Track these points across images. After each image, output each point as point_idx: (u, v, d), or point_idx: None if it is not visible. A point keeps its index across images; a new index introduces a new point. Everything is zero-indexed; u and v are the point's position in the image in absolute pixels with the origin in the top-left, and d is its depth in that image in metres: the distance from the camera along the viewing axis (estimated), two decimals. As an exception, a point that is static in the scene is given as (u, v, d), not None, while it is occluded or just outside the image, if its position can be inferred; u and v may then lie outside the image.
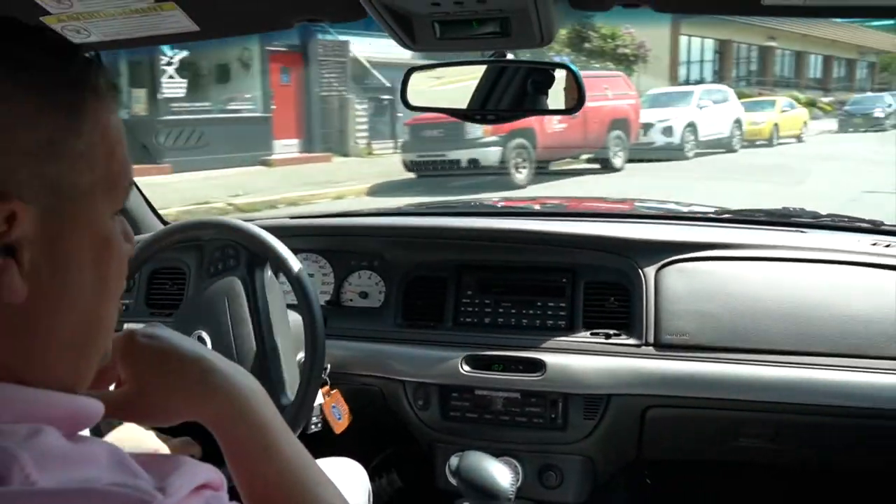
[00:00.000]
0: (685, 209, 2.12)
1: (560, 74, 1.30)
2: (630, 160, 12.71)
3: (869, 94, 24.04)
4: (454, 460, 1.33)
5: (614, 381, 1.51)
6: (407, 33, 1.11)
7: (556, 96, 1.32)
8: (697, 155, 14.14)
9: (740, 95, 19.76)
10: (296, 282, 1.38)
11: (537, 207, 1.98)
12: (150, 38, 1.13)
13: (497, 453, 1.48)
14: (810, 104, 25.57)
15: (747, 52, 27.85)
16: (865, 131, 19.52)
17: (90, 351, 0.57)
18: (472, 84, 1.33)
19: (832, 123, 20.83)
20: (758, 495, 1.88)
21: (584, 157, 12.97)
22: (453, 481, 1.35)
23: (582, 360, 1.53)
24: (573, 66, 1.24)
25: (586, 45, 18.93)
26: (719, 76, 26.12)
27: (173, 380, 0.71)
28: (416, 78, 1.38)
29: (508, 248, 1.71)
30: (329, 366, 1.47)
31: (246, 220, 1.52)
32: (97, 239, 0.54)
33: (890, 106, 21.00)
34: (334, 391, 1.54)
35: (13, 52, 0.50)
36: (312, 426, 1.49)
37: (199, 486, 0.51)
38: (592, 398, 1.52)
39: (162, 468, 0.51)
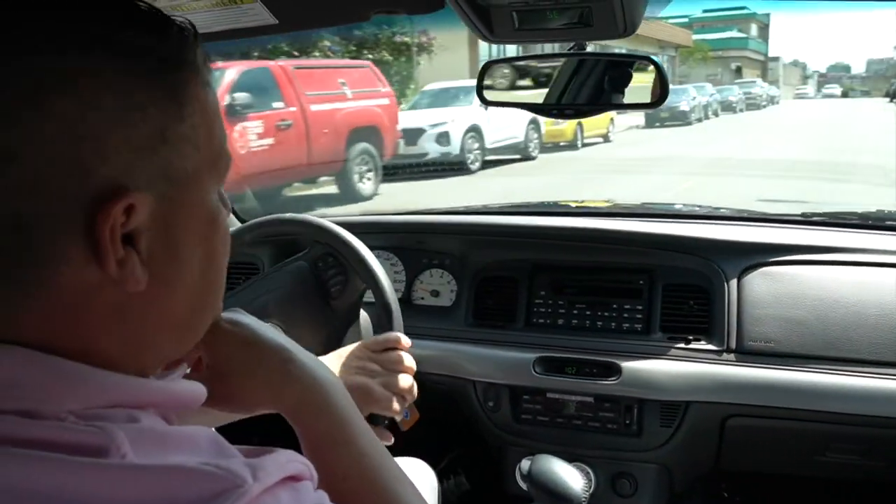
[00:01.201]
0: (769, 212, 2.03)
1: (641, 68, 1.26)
2: (391, 178, 9.97)
3: (672, 87, 23.72)
4: (525, 463, 1.29)
5: (693, 387, 1.45)
6: (485, 24, 1.09)
7: (636, 91, 1.28)
8: (486, 166, 11.43)
9: None
10: (373, 282, 1.37)
11: (611, 208, 1.93)
12: (231, 31, 1.14)
13: (569, 458, 1.44)
14: None
15: (552, 45, 27.09)
16: (672, 125, 19.68)
17: (199, 325, 0.59)
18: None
19: (639, 118, 20.37)
20: None
21: (323, 179, 9.59)
22: (524, 485, 1.32)
23: (659, 365, 1.48)
24: (656, 59, 1.19)
25: (355, 31, 15.03)
26: None
27: (255, 368, 0.71)
28: (492, 72, 1.36)
29: (583, 248, 1.67)
30: None
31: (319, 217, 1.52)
32: (205, 218, 0.55)
33: (694, 98, 21.41)
34: None
35: (117, 36, 0.49)
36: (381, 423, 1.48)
37: (289, 476, 0.50)
38: (670, 405, 1.47)
39: (257, 454, 0.51)
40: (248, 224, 1.59)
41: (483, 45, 21.92)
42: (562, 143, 14.76)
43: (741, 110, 26.97)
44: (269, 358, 0.71)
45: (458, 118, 11.08)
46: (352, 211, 1.88)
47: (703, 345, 1.49)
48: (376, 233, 1.80)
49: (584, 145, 15.35)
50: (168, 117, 0.50)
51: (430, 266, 1.78)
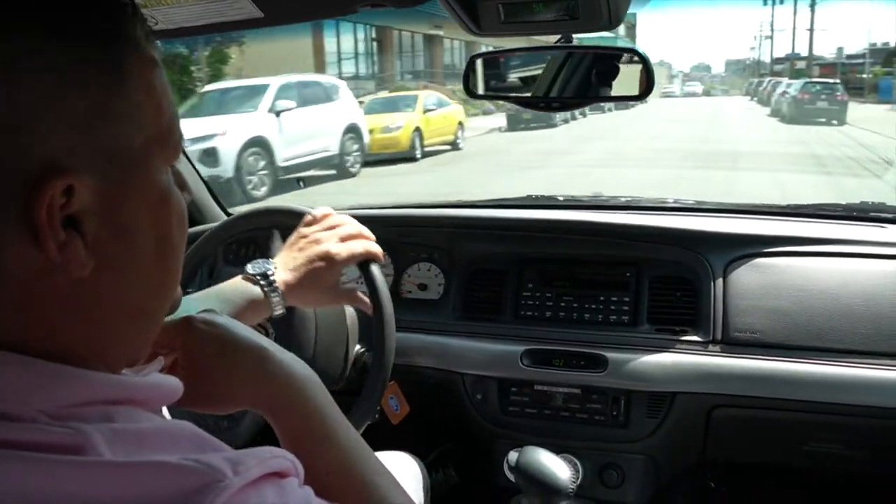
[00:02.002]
0: (754, 203, 2.05)
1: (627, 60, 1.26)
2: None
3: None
4: (513, 455, 1.30)
5: (680, 378, 1.46)
6: (472, 17, 1.09)
7: (623, 82, 1.28)
8: (280, 187, 8.96)
9: (401, 90, 16.60)
10: (369, 275, 1.37)
11: (599, 200, 1.94)
12: (216, 25, 1.14)
13: (557, 450, 1.44)
14: None
15: (411, 42, 25.34)
16: (536, 128, 18.35)
17: (157, 313, 0.57)
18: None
19: (501, 121, 19.26)
20: (825, 503, 1.80)
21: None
22: (511, 476, 1.33)
23: (646, 357, 1.49)
24: (641, 51, 1.20)
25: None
26: (379, 69, 23.31)
27: (231, 366, 0.71)
28: (479, 65, 1.36)
29: (571, 241, 1.68)
30: None
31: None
32: (155, 198, 0.53)
33: (560, 99, 20.66)
34: (392, 382, 1.53)
35: (49, 12, 0.48)
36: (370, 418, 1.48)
37: (273, 472, 0.50)
38: (656, 396, 1.48)
39: (239, 450, 0.51)
40: (237, 216, 1.58)
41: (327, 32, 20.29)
42: (387, 154, 12.34)
43: (609, 110, 26.24)
44: (244, 356, 0.71)
45: (234, 129, 8.65)
46: (340, 204, 1.87)
47: (689, 336, 1.50)
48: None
49: (426, 154, 13.46)
50: (107, 94, 0.49)
51: (418, 259, 1.78)
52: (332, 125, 10.31)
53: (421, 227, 1.83)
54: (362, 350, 1.44)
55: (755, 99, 35.31)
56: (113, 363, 0.53)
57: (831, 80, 23.27)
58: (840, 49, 44.25)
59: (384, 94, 17.25)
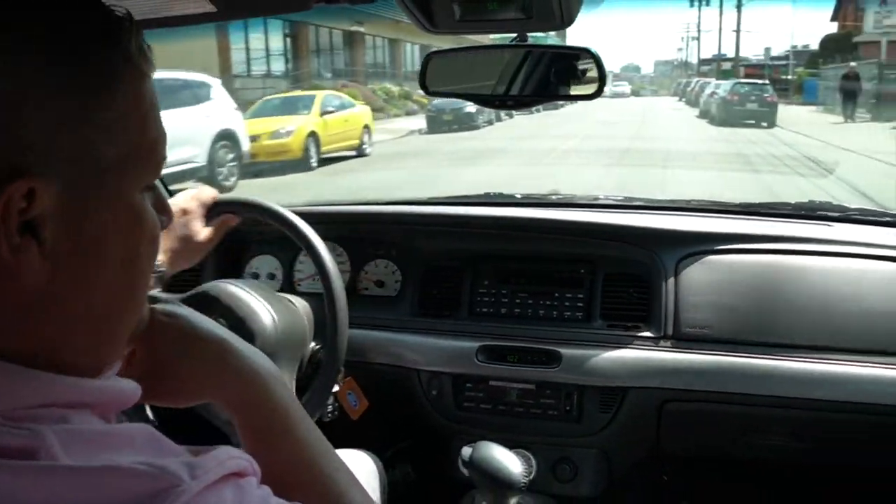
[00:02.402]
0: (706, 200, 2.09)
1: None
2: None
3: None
4: (466, 451, 1.31)
5: (631, 373, 1.48)
6: (426, 15, 1.09)
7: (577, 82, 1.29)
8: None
9: (315, 89, 15.53)
10: (323, 270, 1.37)
11: (556, 197, 1.96)
12: (169, 19, 1.12)
13: (511, 445, 1.46)
14: (405, 97, 23.25)
15: (329, 38, 24.30)
16: (458, 129, 17.47)
17: (119, 328, 0.56)
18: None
19: (421, 122, 18.45)
20: (778, 495, 1.85)
21: None
22: (465, 472, 1.34)
23: (599, 352, 1.51)
24: (593, 50, 1.21)
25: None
26: (294, 66, 22.36)
27: (192, 360, 0.70)
28: (435, 63, 1.36)
29: (527, 238, 1.69)
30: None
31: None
32: (126, 214, 0.52)
33: (486, 100, 20.03)
34: (348, 378, 1.53)
35: (34, 13, 0.47)
36: (328, 414, 1.48)
37: (232, 472, 0.50)
38: (609, 390, 1.50)
39: (198, 452, 0.50)
40: None
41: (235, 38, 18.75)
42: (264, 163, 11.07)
43: (538, 110, 25.55)
44: (206, 350, 0.70)
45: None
46: (295, 202, 1.85)
47: (641, 332, 1.53)
48: (321, 223, 1.79)
49: (325, 161, 12.33)
50: (87, 102, 0.48)
51: (375, 256, 1.78)
52: (199, 132, 8.87)
53: (378, 224, 1.83)
54: (317, 347, 1.44)
55: (683, 100, 35.58)
56: (71, 370, 0.51)
57: (760, 81, 23.08)
58: (767, 49, 45.24)
59: (286, 94, 16.06)
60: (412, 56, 28.86)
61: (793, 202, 1.87)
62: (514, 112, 20.83)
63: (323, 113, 12.79)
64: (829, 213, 1.74)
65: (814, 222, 1.67)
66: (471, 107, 17.14)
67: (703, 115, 23.52)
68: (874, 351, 1.40)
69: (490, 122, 19.76)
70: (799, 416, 1.45)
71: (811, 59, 34.78)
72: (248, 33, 19.20)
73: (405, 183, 9.86)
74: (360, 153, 13.74)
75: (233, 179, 9.89)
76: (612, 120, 22.46)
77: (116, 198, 0.51)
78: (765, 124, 19.30)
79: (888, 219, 1.72)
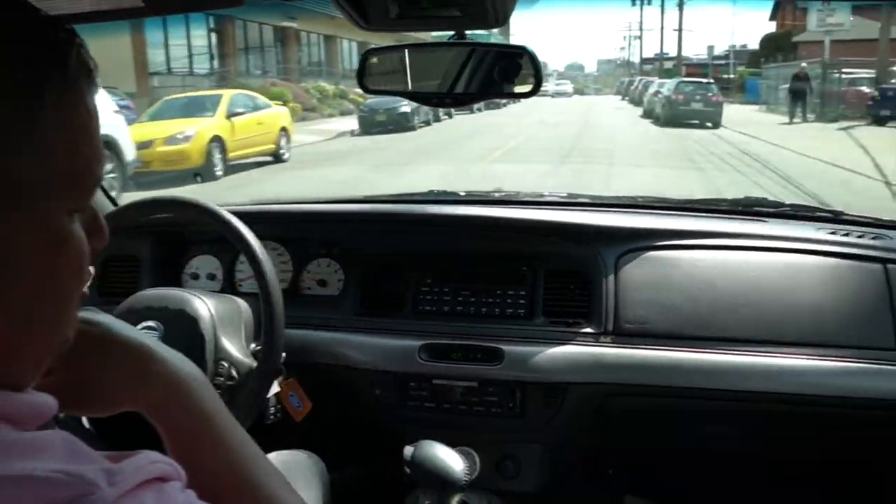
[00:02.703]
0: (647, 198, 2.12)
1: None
2: None
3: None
4: (408, 450, 1.31)
5: (573, 369, 1.49)
6: (360, 12, 1.09)
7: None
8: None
9: (243, 88, 14.67)
10: (258, 270, 1.36)
11: (498, 195, 1.97)
12: (91, 14, 1.09)
13: (456, 442, 1.46)
14: (340, 96, 22.72)
15: (259, 34, 23.66)
16: (391, 131, 16.73)
17: (36, 349, 0.54)
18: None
19: (353, 124, 17.80)
20: (720, 486, 1.89)
21: None
22: (408, 471, 1.33)
23: (541, 349, 1.52)
24: (530, 49, 1.22)
25: None
26: (220, 63, 21.59)
27: (112, 367, 0.68)
28: (373, 60, 1.36)
29: (469, 236, 1.70)
30: (285, 354, 1.45)
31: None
32: (50, 238, 0.50)
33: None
34: (291, 380, 1.51)
35: None
36: (270, 416, 1.46)
37: (152, 478, 0.49)
38: (551, 387, 1.51)
39: (119, 458, 0.49)
40: (125, 206, 1.53)
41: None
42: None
43: (479, 109, 25.18)
44: (126, 356, 0.69)
45: None
46: (235, 200, 1.83)
47: (582, 328, 1.54)
48: (262, 222, 1.77)
49: (233, 169, 11.41)
50: (9, 123, 0.46)
51: (317, 256, 1.76)
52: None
53: (320, 222, 1.81)
54: (257, 347, 1.42)
55: (627, 98, 35.46)
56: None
57: (705, 80, 22.69)
58: (711, 48, 45.56)
59: (191, 93, 14.55)
60: (350, 53, 28.28)
61: (729, 198, 1.91)
62: (452, 112, 21.13)
63: (230, 115, 11.68)
64: (764, 210, 1.78)
65: (749, 218, 1.71)
66: (406, 106, 16.63)
67: (647, 114, 23.03)
68: (807, 343, 1.44)
69: (428, 123, 19.21)
70: (736, 407, 1.48)
71: (751, 59, 35.19)
72: (168, 28, 18.15)
73: (319, 194, 9.66)
74: (278, 158, 12.74)
75: (113, 193, 9.52)
76: (552, 121, 21.89)
77: (38, 220, 0.49)
78: (710, 125, 19.03)
79: (820, 214, 1.77)
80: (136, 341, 0.70)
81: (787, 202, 1.89)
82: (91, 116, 0.52)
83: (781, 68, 25.60)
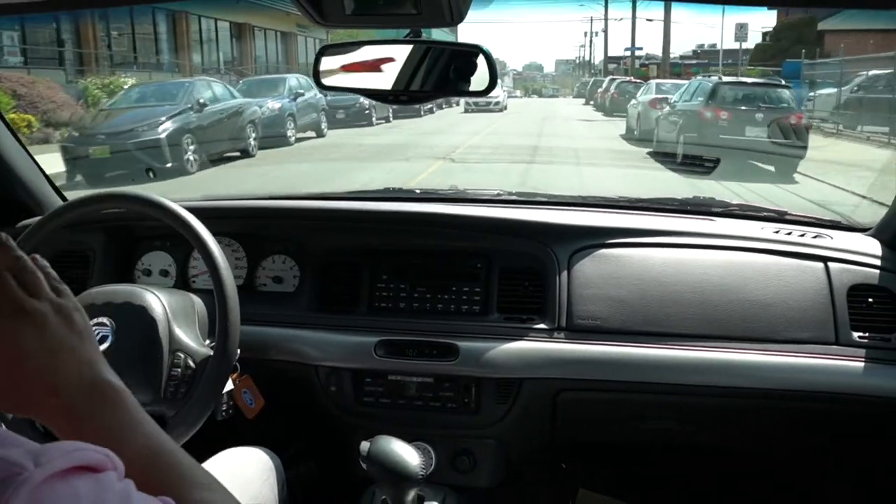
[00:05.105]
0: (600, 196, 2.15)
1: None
2: None
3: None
4: (365, 445, 1.31)
5: (526, 364, 1.52)
6: (315, 7, 1.09)
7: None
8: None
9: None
10: (213, 266, 1.35)
11: (454, 193, 1.98)
12: (25, 5, 1.06)
13: (411, 438, 1.47)
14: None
15: (215, 29, 22.81)
16: (357, 125, 16.50)
17: None
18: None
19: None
20: (670, 478, 1.93)
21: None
22: (365, 466, 1.34)
23: (495, 345, 1.53)
24: (485, 48, 1.24)
25: None
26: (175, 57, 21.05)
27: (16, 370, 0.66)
28: (328, 57, 1.35)
29: (424, 233, 1.71)
30: (239, 351, 1.44)
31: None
32: None
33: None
34: (245, 377, 1.50)
35: None
36: (222, 413, 1.45)
37: (81, 465, 0.49)
38: (505, 382, 1.53)
39: (45, 444, 0.49)
40: (75, 200, 1.50)
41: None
42: None
43: (440, 107, 24.72)
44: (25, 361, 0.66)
45: None
46: (191, 196, 1.79)
47: (536, 324, 1.56)
48: (217, 218, 1.75)
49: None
50: None
51: (273, 252, 1.75)
52: None
53: (275, 219, 1.80)
54: (212, 343, 1.41)
55: (591, 103, 28.45)
56: None
57: (765, 80, 14.45)
58: (699, 46, 40.27)
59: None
60: (306, 50, 27.87)
61: (679, 198, 1.95)
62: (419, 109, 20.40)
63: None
64: (713, 209, 1.83)
65: (698, 217, 1.75)
66: (363, 102, 16.51)
67: (639, 134, 13.68)
68: (753, 338, 1.49)
69: (387, 119, 19.01)
70: (684, 401, 1.52)
71: (761, 53, 27.31)
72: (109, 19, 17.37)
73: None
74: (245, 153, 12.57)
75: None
76: (505, 131, 18.08)
77: None
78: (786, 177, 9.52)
79: (765, 214, 1.82)
80: (42, 348, 0.68)
81: (735, 202, 1.93)
82: None
83: (832, 65, 16.98)
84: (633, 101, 15.66)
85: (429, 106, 22.10)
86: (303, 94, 14.51)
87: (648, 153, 12.06)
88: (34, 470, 0.44)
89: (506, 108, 26.88)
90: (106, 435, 0.67)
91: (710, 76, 14.21)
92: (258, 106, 12.89)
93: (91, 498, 0.47)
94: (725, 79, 11.41)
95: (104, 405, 0.69)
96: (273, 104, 13.61)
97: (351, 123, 16.82)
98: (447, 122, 20.81)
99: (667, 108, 12.29)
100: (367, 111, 17.52)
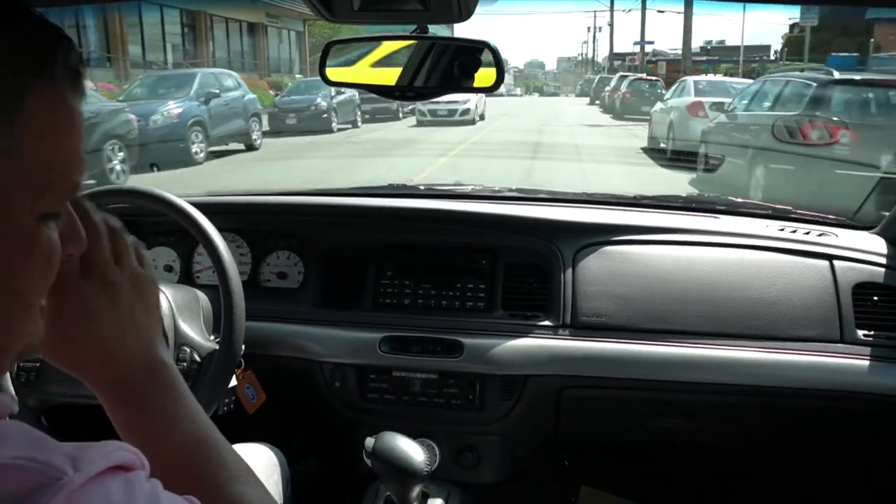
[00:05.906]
0: (605, 193, 2.15)
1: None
2: None
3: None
4: (369, 441, 1.31)
5: (531, 361, 1.52)
6: (324, 3, 1.08)
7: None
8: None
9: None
10: (218, 261, 1.34)
11: (459, 189, 1.98)
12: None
13: (415, 434, 1.46)
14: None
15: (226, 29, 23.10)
16: (303, 133, 14.34)
17: None
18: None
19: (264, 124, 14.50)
20: (673, 476, 1.93)
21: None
22: (369, 463, 1.34)
23: (500, 342, 1.53)
24: (493, 45, 1.23)
25: None
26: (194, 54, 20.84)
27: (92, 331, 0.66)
28: (335, 52, 1.35)
29: (429, 230, 1.71)
30: (243, 346, 1.44)
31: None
32: (15, 242, 0.49)
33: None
34: (248, 372, 1.50)
35: None
36: (223, 408, 1.45)
37: (115, 465, 0.48)
38: (509, 379, 1.53)
39: (81, 447, 0.49)
40: (82, 195, 1.50)
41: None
42: None
43: (374, 118, 20.02)
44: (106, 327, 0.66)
45: None
46: (194, 192, 1.79)
47: (540, 321, 1.56)
48: (221, 213, 1.75)
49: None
50: None
51: (277, 248, 1.75)
52: None
53: (280, 214, 1.80)
54: (217, 339, 1.41)
55: (597, 103, 26.22)
56: None
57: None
58: (717, 43, 37.03)
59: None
60: (279, 44, 27.60)
61: (684, 195, 1.95)
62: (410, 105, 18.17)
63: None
64: (717, 206, 1.83)
65: (703, 214, 1.75)
66: (320, 104, 14.78)
67: (679, 162, 9.69)
68: (757, 336, 1.49)
69: (354, 125, 16.67)
70: (689, 398, 1.52)
71: (794, 48, 25.48)
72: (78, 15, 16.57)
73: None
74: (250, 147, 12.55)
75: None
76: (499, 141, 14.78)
77: (3, 222, 0.48)
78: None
79: (770, 211, 1.82)
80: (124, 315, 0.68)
81: (739, 199, 1.93)
82: (73, 121, 0.51)
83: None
84: (660, 106, 12.26)
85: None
86: (217, 95, 11.93)
87: (692, 182, 8.09)
88: (73, 475, 0.44)
89: (482, 118, 19.23)
90: (160, 416, 0.68)
91: (772, 73, 11.02)
92: (150, 114, 10.49)
93: (122, 498, 0.47)
94: (838, 75, 6.82)
95: (159, 385, 0.69)
96: (172, 109, 11.01)
97: (304, 130, 14.53)
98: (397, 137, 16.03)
99: (720, 117, 8.48)
100: (324, 115, 15.03)
